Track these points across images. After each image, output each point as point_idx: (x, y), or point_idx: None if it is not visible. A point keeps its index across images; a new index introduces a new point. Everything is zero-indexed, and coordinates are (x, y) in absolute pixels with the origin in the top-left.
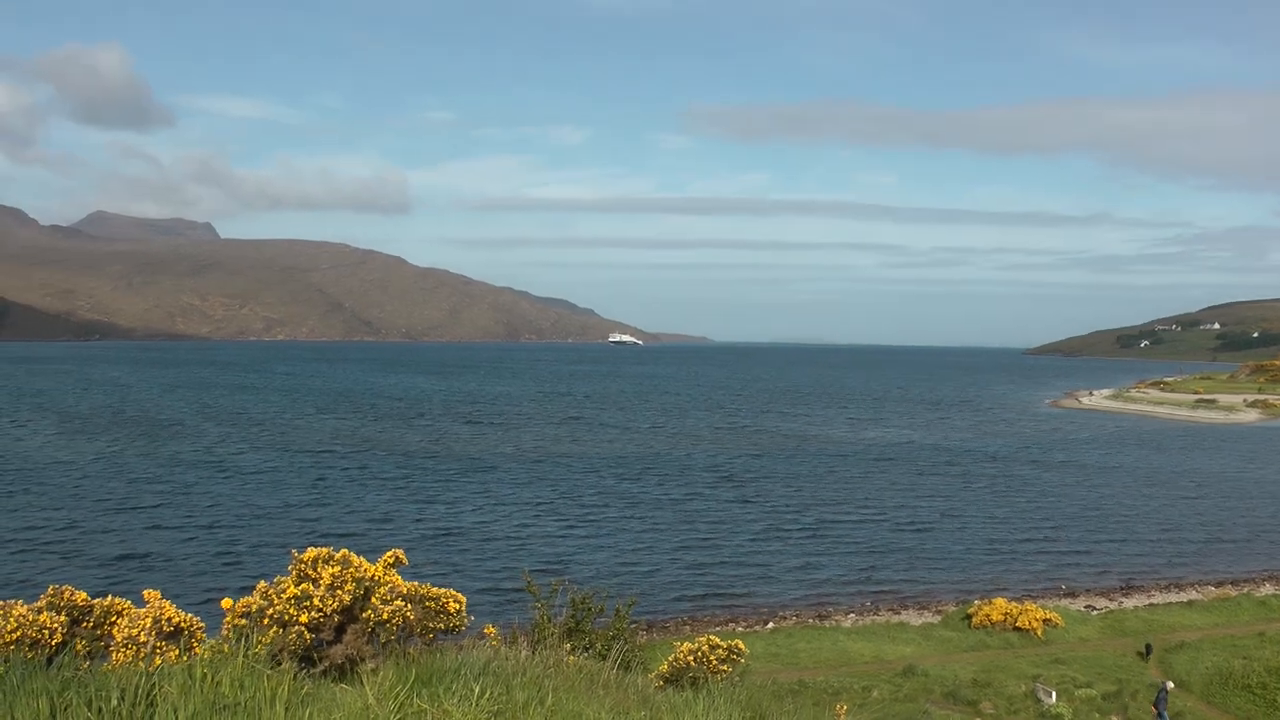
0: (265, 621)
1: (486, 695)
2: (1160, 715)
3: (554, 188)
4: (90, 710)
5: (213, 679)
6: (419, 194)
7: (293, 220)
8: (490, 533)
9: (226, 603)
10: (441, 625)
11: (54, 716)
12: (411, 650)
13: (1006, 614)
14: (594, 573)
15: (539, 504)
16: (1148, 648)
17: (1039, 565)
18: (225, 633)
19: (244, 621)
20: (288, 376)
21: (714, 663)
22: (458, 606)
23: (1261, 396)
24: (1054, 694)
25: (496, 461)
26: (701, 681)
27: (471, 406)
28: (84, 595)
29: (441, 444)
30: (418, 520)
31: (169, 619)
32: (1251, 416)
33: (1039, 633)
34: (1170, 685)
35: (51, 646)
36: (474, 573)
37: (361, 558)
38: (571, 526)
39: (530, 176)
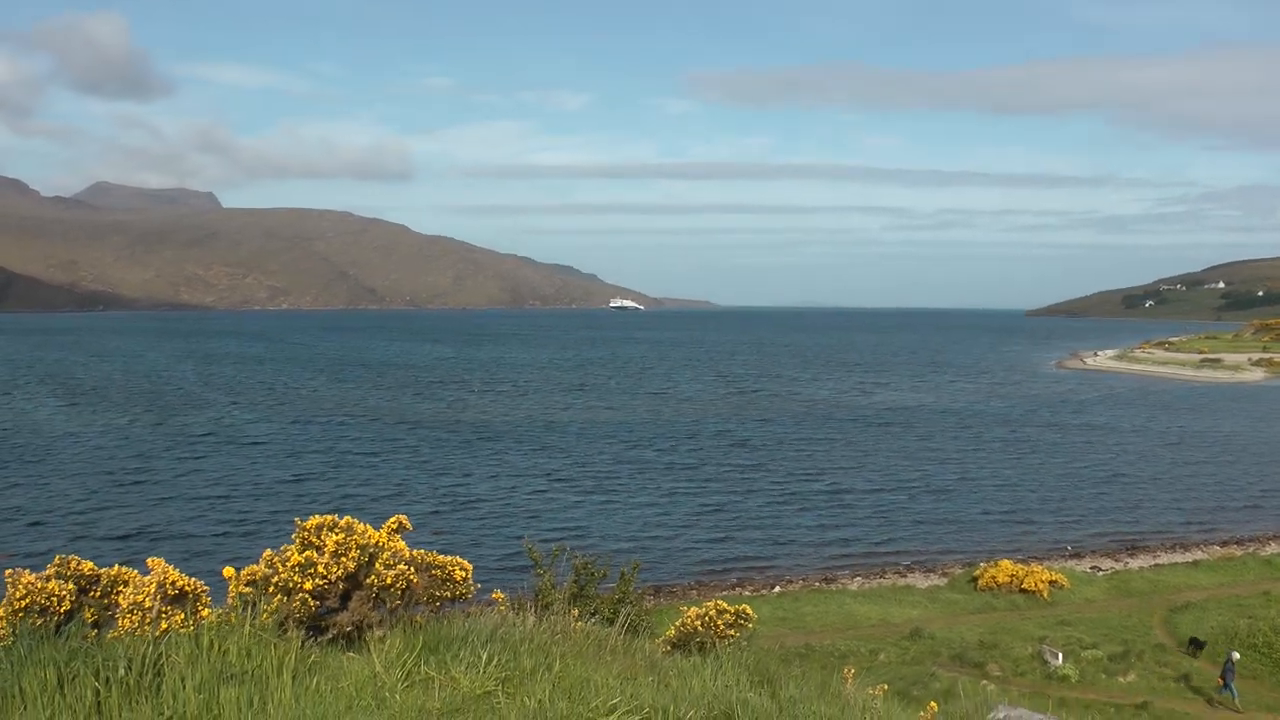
0: (270, 589)
1: (494, 662)
2: (1227, 686)
3: (555, 153)
4: (98, 680)
5: (220, 648)
6: (420, 161)
7: (295, 189)
8: (502, 502)
9: (229, 571)
10: (448, 594)
11: (61, 686)
12: (419, 618)
13: (1012, 576)
14: (605, 539)
15: (549, 472)
16: (1195, 643)
17: (1045, 527)
18: (231, 601)
19: (249, 590)
20: (294, 346)
21: (721, 627)
22: (464, 574)
23: (1266, 355)
24: (1060, 655)
25: (506, 429)
26: (709, 646)
27: (478, 374)
28: (90, 564)
29: (451, 412)
30: (429, 490)
31: (173, 583)
32: (1257, 375)
33: (1045, 594)
34: (1236, 656)
35: (60, 614)
36: (487, 542)
37: (366, 524)
38: (583, 494)
39: (531, 142)
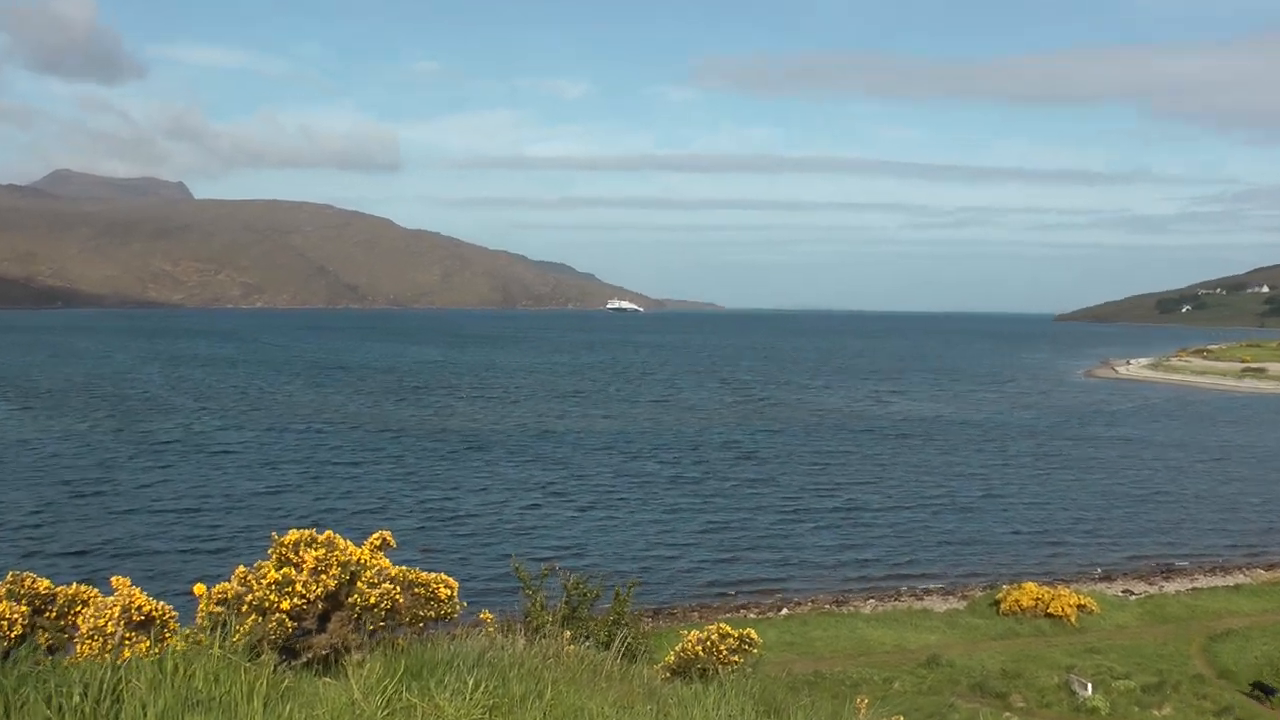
0: (244, 609)
1: (481, 688)
2: None
3: (551, 144)
4: (50, 708)
5: (185, 672)
6: (408, 151)
7: (272, 180)
8: (491, 517)
9: (200, 589)
10: (432, 613)
11: (8, 715)
12: (401, 640)
13: (1037, 599)
14: (603, 558)
15: (543, 485)
16: (1262, 688)
17: (1072, 547)
18: (200, 621)
19: (220, 609)
20: (269, 347)
21: (724, 653)
22: (449, 593)
23: None
24: (1090, 685)
25: (496, 439)
26: (711, 673)
27: (468, 378)
28: (47, 583)
29: (437, 420)
30: (414, 504)
31: (139, 607)
32: None
33: (1073, 619)
34: None
35: (11, 639)
36: (475, 560)
37: (347, 540)
38: (579, 509)
39: (526, 132)
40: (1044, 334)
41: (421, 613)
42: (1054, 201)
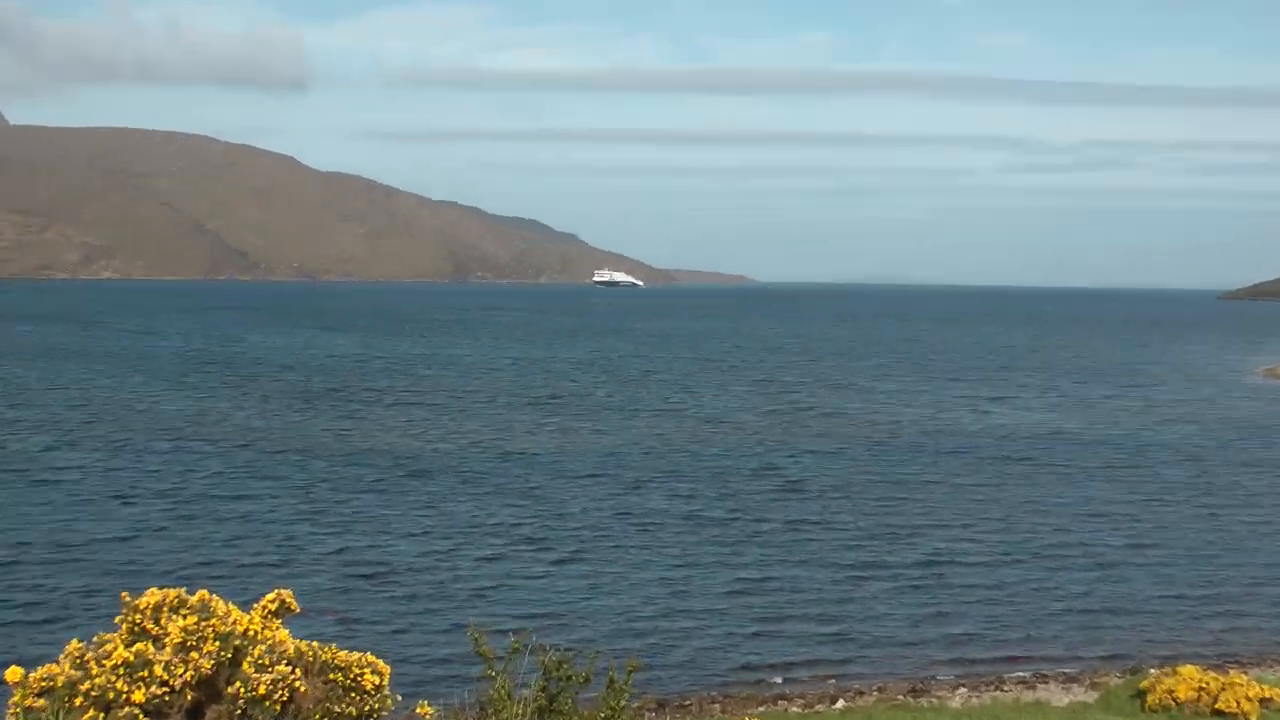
0: (79, 701)
1: None
2: None
3: (519, 53)
4: None
5: None
6: (320, 63)
7: (126, 101)
8: (437, 572)
9: (14, 673)
10: (352, 710)
11: None
12: None
13: (1201, 689)
14: (589, 629)
15: (507, 527)
16: None
17: (1252, 618)
18: (12, 717)
19: (42, 703)
20: (120, 334)
21: None
22: (377, 680)
23: None
24: None
25: (442, 462)
26: None
27: (402, 379)
28: None
29: (360, 436)
30: (326, 553)
31: None
32: None
33: (1252, 718)
34: None
35: None
36: (414, 632)
37: (231, 604)
38: (557, 562)
39: (485, 36)
40: (1205, 317)
41: (339, 708)
42: (1218, 133)
